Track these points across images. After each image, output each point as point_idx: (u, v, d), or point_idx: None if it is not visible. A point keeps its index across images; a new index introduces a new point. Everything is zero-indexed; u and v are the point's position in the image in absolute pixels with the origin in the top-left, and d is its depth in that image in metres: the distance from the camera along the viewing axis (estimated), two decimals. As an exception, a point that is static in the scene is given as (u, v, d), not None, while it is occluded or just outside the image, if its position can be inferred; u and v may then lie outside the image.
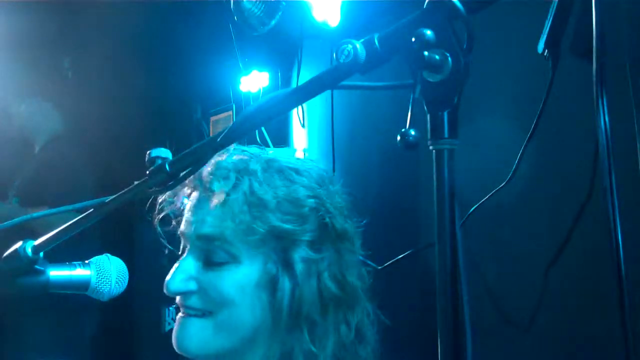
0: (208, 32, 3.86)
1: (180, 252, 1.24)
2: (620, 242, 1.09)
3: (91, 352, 3.53)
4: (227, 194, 1.16)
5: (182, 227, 1.23)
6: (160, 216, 1.28)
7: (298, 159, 1.26)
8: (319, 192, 1.20)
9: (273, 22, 2.82)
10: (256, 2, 2.78)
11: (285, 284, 1.15)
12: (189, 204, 1.23)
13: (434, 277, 0.80)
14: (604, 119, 1.14)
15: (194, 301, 1.18)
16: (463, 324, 0.81)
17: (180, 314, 1.21)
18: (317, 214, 1.18)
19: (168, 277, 1.19)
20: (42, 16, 3.79)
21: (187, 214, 1.23)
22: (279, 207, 1.16)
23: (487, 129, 1.83)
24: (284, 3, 2.79)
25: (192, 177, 1.18)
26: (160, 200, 1.28)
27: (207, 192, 1.19)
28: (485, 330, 1.81)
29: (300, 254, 1.16)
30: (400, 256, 2.16)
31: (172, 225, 1.28)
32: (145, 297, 3.67)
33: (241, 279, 1.16)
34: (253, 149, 1.25)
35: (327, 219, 1.18)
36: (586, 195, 1.55)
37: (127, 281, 1.17)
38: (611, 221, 1.10)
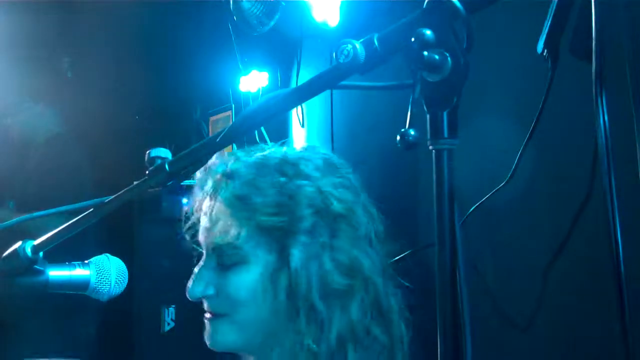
0: (207, 32, 3.86)
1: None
2: (620, 242, 1.09)
3: (91, 352, 3.52)
4: (224, 200, 1.21)
5: (199, 236, 1.28)
6: (188, 225, 1.32)
7: (297, 150, 1.28)
8: (313, 178, 1.22)
9: (272, 22, 2.82)
10: (255, 2, 2.78)
11: (284, 275, 1.18)
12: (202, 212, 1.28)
13: (434, 277, 0.80)
14: (603, 119, 1.14)
15: (214, 304, 1.23)
16: (462, 324, 0.81)
17: (207, 315, 1.26)
18: (310, 202, 1.19)
19: (189, 284, 1.24)
20: (42, 16, 3.79)
21: (201, 223, 1.28)
22: (266, 201, 1.19)
23: (486, 129, 1.83)
24: (283, 3, 2.80)
25: (202, 184, 1.25)
26: (186, 211, 1.32)
27: (211, 200, 1.24)
28: (485, 330, 1.81)
29: (296, 243, 1.18)
30: (399, 256, 2.16)
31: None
32: (145, 297, 3.67)
33: (250, 278, 1.20)
34: (261, 148, 1.28)
35: (322, 205, 1.20)
36: (585, 195, 1.55)
37: (126, 281, 1.17)
38: (610, 221, 1.10)
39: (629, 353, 1.08)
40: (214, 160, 1.24)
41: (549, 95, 1.60)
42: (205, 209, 1.25)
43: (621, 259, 1.08)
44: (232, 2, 2.83)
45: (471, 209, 1.80)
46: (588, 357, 1.58)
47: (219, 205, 1.22)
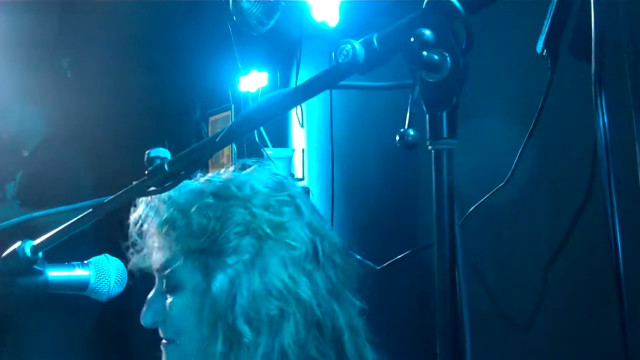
0: (207, 32, 3.86)
1: None
2: (619, 242, 1.09)
3: (90, 352, 3.53)
4: (156, 226, 1.21)
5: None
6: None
7: (242, 173, 1.24)
8: (233, 200, 1.18)
9: (272, 22, 2.82)
10: (255, 2, 2.78)
11: (208, 296, 1.15)
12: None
13: (433, 277, 0.80)
14: (602, 119, 1.14)
15: (163, 330, 1.23)
16: (462, 324, 0.81)
17: (161, 343, 1.24)
18: (235, 222, 1.16)
19: (142, 311, 1.24)
20: (41, 16, 3.79)
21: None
22: (187, 226, 1.17)
23: (486, 129, 1.83)
24: (282, 3, 2.79)
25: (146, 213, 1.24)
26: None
27: (147, 224, 1.24)
28: (485, 330, 1.81)
29: (221, 265, 1.15)
30: (399, 256, 2.16)
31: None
32: (145, 297, 3.66)
33: (183, 302, 1.19)
34: (215, 174, 1.26)
35: (248, 224, 1.15)
36: (585, 195, 1.55)
37: (126, 281, 1.17)
38: (610, 221, 1.10)
39: (628, 353, 1.08)
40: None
41: (548, 95, 1.60)
42: (145, 237, 1.25)
43: (620, 258, 1.08)
44: (232, 2, 2.83)
45: (471, 209, 1.80)
46: (588, 357, 1.58)
47: (152, 231, 1.22)
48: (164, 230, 1.20)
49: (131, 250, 1.27)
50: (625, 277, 1.07)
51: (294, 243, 1.16)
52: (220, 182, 1.22)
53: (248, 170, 1.25)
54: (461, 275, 0.80)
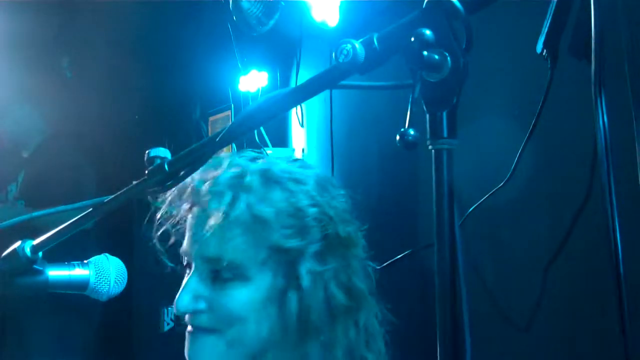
0: (207, 32, 3.86)
1: (185, 267, 1.23)
2: (619, 242, 1.09)
3: (90, 352, 3.53)
4: (225, 214, 1.14)
5: (185, 245, 1.22)
6: (159, 232, 1.27)
7: (294, 165, 1.24)
8: (319, 200, 1.18)
9: (272, 22, 2.82)
10: (255, 2, 2.78)
11: (293, 297, 1.15)
12: (189, 220, 1.22)
13: (433, 277, 0.80)
14: (602, 119, 1.14)
15: (204, 320, 1.17)
16: (462, 324, 0.81)
17: (189, 329, 1.20)
18: (320, 224, 1.17)
19: (177, 297, 1.18)
20: (41, 16, 3.78)
21: (188, 232, 1.21)
22: (279, 222, 1.15)
23: (486, 129, 1.83)
24: (282, 3, 2.80)
25: (190, 192, 1.19)
26: (158, 216, 1.26)
27: (205, 211, 1.17)
28: (485, 330, 1.81)
29: (306, 267, 1.14)
30: (399, 256, 2.16)
31: (171, 242, 1.27)
32: (144, 297, 3.67)
33: (249, 296, 1.15)
34: (248, 156, 1.23)
35: (330, 229, 1.17)
36: (585, 195, 1.55)
37: (125, 281, 1.17)
38: (610, 221, 1.10)
39: (628, 353, 1.08)
40: (210, 167, 1.19)
41: (548, 95, 1.60)
42: (196, 217, 1.19)
43: (620, 259, 1.08)
44: (232, 2, 2.83)
45: (471, 209, 1.80)
46: (588, 357, 1.58)
47: (225, 218, 1.14)
48: (248, 221, 1.15)
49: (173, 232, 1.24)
50: (625, 277, 1.07)
51: (356, 245, 1.22)
52: (285, 172, 1.20)
53: (288, 162, 1.25)
54: (461, 275, 0.80)
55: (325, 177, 1.25)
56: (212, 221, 1.15)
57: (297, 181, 1.19)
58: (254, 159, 1.23)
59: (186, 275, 1.22)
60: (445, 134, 0.80)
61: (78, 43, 4.13)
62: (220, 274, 1.16)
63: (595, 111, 1.14)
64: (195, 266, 1.19)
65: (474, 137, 1.69)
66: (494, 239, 1.89)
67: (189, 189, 1.20)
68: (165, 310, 3.75)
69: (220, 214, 1.14)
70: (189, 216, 1.22)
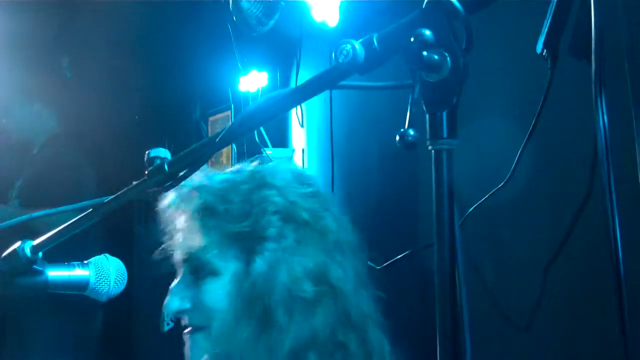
0: (207, 32, 3.86)
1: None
2: (619, 242, 1.09)
3: (90, 352, 3.53)
4: (192, 212, 1.23)
5: (174, 254, 1.29)
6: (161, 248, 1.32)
7: (264, 165, 1.29)
8: (270, 189, 1.22)
9: (272, 22, 2.82)
10: (255, 2, 2.78)
11: (248, 280, 1.18)
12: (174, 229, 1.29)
13: (433, 277, 0.80)
14: (602, 119, 1.14)
15: (192, 318, 1.24)
16: (462, 324, 0.81)
17: (185, 332, 1.26)
18: (274, 208, 1.20)
19: (166, 300, 1.25)
20: (41, 16, 3.79)
21: (174, 240, 1.29)
22: (228, 211, 1.20)
23: (486, 129, 1.83)
24: (282, 3, 2.80)
25: (171, 203, 1.26)
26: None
27: (179, 215, 1.26)
28: (485, 330, 1.81)
29: (261, 250, 1.18)
30: (399, 256, 2.16)
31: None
32: (144, 297, 3.67)
33: (222, 288, 1.21)
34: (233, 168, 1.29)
35: (287, 211, 1.20)
36: (585, 195, 1.55)
37: (125, 281, 1.18)
38: (610, 221, 1.10)
39: (628, 353, 1.08)
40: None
41: (548, 95, 1.60)
42: (176, 225, 1.26)
43: (620, 259, 1.08)
44: (232, 2, 2.83)
45: (471, 209, 1.80)
46: (588, 357, 1.58)
47: (187, 218, 1.23)
48: (200, 216, 1.22)
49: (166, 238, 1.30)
50: (625, 277, 1.07)
51: (327, 232, 1.21)
52: (250, 172, 1.25)
53: (268, 164, 1.30)
54: (461, 275, 0.80)
55: (297, 171, 1.31)
56: (181, 222, 1.24)
57: (259, 176, 1.25)
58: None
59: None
60: (445, 134, 0.80)
61: (78, 43, 4.13)
62: (196, 272, 1.23)
63: (595, 111, 1.14)
64: (181, 270, 1.26)
65: (474, 137, 1.69)
66: (494, 239, 1.89)
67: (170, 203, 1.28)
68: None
69: (185, 213, 1.24)
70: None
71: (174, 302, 1.24)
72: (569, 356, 1.64)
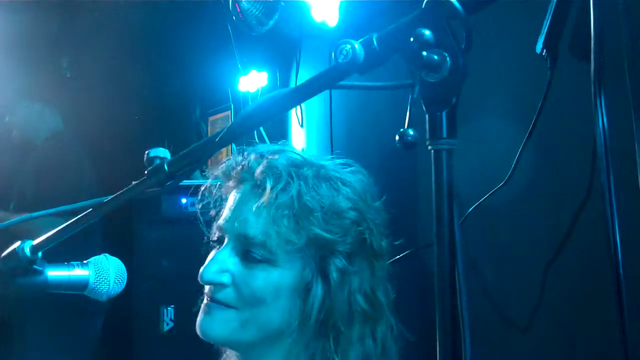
0: (207, 32, 3.86)
1: (216, 242, 1.25)
2: (619, 242, 1.09)
3: (90, 352, 3.53)
4: (275, 196, 1.16)
5: (222, 220, 1.23)
6: (201, 205, 1.29)
7: (346, 168, 1.26)
8: (361, 205, 1.20)
9: (271, 22, 2.82)
10: (255, 2, 2.78)
11: (318, 291, 1.16)
12: (233, 196, 1.23)
13: (433, 277, 0.80)
14: (602, 119, 1.14)
15: (225, 294, 1.18)
16: (462, 324, 0.81)
17: (206, 301, 1.21)
18: (358, 228, 1.19)
19: (203, 266, 1.20)
20: (41, 16, 3.79)
21: (228, 208, 1.23)
22: (323, 215, 1.16)
23: (485, 129, 1.83)
24: (282, 3, 2.80)
25: (241, 170, 1.21)
26: (203, 188, 1.29)
27: (256, 188, 1.19)
28: (484, 330, 1.81)
29: (336, 264, 1.16)
30: (398, 256, 2.16)
31: (211, 214, 1.28)
32: (144, 297, 3.66)
33: (276, 281, 1.17)
34: (305, 153, 1.25)
35: (367, 234, 1.19)
36: (584, 195, 1.55)
37: (125, 281, 1.17)
38: (609, 221, 1.10)
39: (628, 353, 1.08)
40: (265, 149, 1.23)
41: (548, 95, 1.60)
42: (242, 194, 1.21)
43: (620, 258, 1.08)
44: (232, 2, 2.83)
45: (470, 209, 1.80)
46: (588, 357, 1.58)
47: (275, 199, 1.16)
48: (295, 208, 1.16)
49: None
50: (624, 276, 1.07)
51: (385, 261, 1.24)
52: (330, 171, 1.22)
53: (338, 162, 1.26)
54: (461, 275, 0.80)
55: (371, 187, 1.27)
56: (261, 200, 1.16)
57: (345, 183, 1.21)
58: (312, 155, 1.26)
59: (215, 249, 1.24)
60: (444, 134, 0.80)
61: (78, 43, 4.13)
62: (250, 253, 1.17)
63: (595, 111, 1.14)
64: (228, 241, 1.21)
65: (473, 137, 1.69)
66: (493, 239, 1.89)
67: (239, 167, 1.22)
68: (165, 310, 3.75)
69: (272, 195, 1.16)
70: (233, 192, 1.24)
71: (213, 270, 1.18)
72: (569, 356, 1.64)
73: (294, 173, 1.18)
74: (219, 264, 1.19)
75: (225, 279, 1.18)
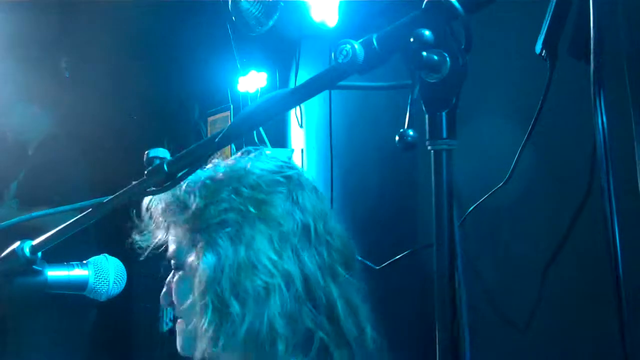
0: (206, 33, 3.86)
1: None
2: (618, 242, 1.09)
3: (90, 351, 3.53)
4: (160, 210, 1.26)
5: None
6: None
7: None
8: (220, 182, 1.22)
9: (271, 23, 2.82)
10: (254, 2, 2.78)
11: (200, 271, 1.18)
12: None
13: (432, 277, 0.80)
14: (601, 119, 1.14)
15: (174, 310, 1.28)
16: (461, 324, 0.81)
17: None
18: (221, 201, 1.20)
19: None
20: (41, 16, 3.78)
21: None
22: (179, 207, 1.22)
23: (485, 130, 1.83)
24: (282, 3, 2.79)
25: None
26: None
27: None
28: (484, 331, 1.81)
29: (207, 239, 1.19)
30: (398, 256, 2.16)
31: None
32: (144, 296, 3.66)
33: (182, 281, 1.24)
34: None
35: (235, 203, 1.20)
36: (584, 196, 1.55)
37: (125, 281, 1.18)
38: (609, 221, 1.10)
39: (627, 353, 1.08)
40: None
41: (547, 95, 1.60)
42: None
43: (619, 259, 1.08)
44: (231, 2, 2.83)
45: (470, 209, 1.80)
46: (587, 357, 1.58)
47: (159, 215, 1.27)
48: (164, 212, 1.25)
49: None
50: (624, 277, 1.08)
51: (280, 220, 1.19)
52: (221, 166, 1.26)
53: (252, 155, 1.29)
54: (460, 275, 0.80)
55: (265, 156, 1.28)
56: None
57: (221, 171, 1.26)
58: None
59: None
60: (444, 134, 0.80)
61: (78, 43, 4.13)
62: (175, 267, 1.27)
63: (594, 111, 1.14)
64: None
65: (473, 137, 1.69)
66: (493, 239, 1.89)
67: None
68: (165, 310, 3.75)
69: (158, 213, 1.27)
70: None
71: (163, 295, 1.29)
72: (569, 356, 1.64)
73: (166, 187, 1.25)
74: (165, 286, 1.30)
75: (169, 298, 1.29)
